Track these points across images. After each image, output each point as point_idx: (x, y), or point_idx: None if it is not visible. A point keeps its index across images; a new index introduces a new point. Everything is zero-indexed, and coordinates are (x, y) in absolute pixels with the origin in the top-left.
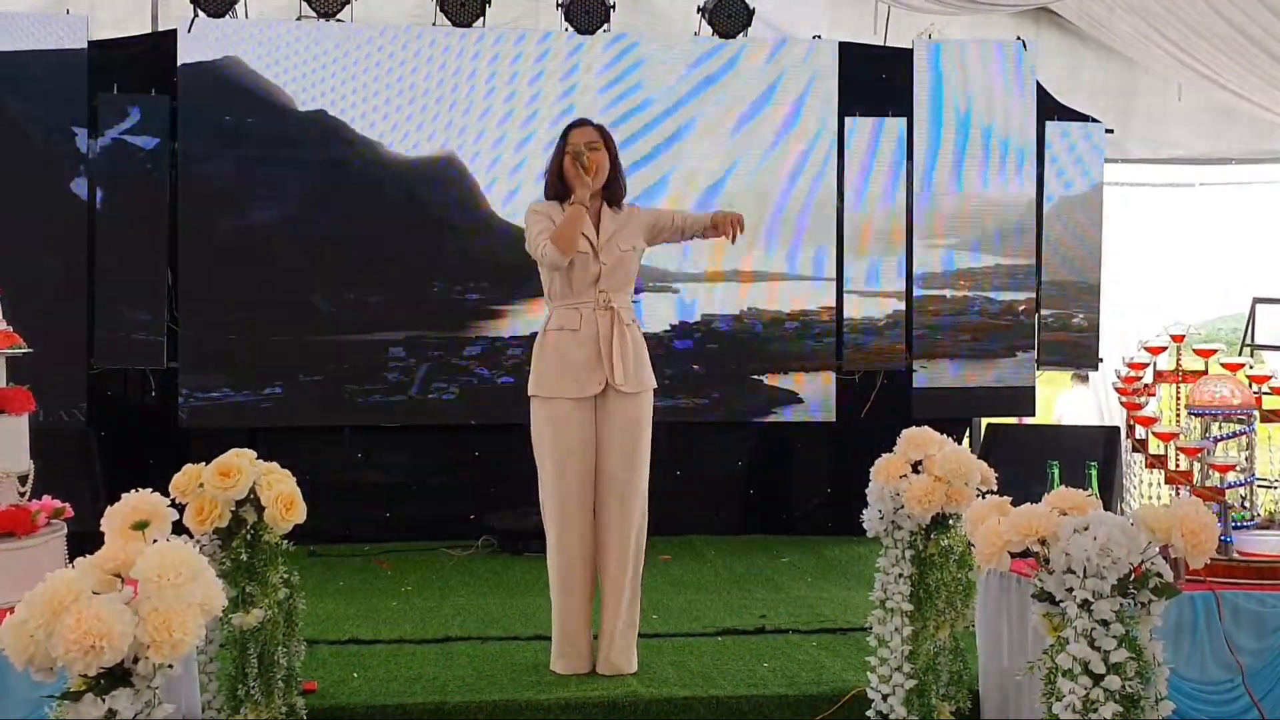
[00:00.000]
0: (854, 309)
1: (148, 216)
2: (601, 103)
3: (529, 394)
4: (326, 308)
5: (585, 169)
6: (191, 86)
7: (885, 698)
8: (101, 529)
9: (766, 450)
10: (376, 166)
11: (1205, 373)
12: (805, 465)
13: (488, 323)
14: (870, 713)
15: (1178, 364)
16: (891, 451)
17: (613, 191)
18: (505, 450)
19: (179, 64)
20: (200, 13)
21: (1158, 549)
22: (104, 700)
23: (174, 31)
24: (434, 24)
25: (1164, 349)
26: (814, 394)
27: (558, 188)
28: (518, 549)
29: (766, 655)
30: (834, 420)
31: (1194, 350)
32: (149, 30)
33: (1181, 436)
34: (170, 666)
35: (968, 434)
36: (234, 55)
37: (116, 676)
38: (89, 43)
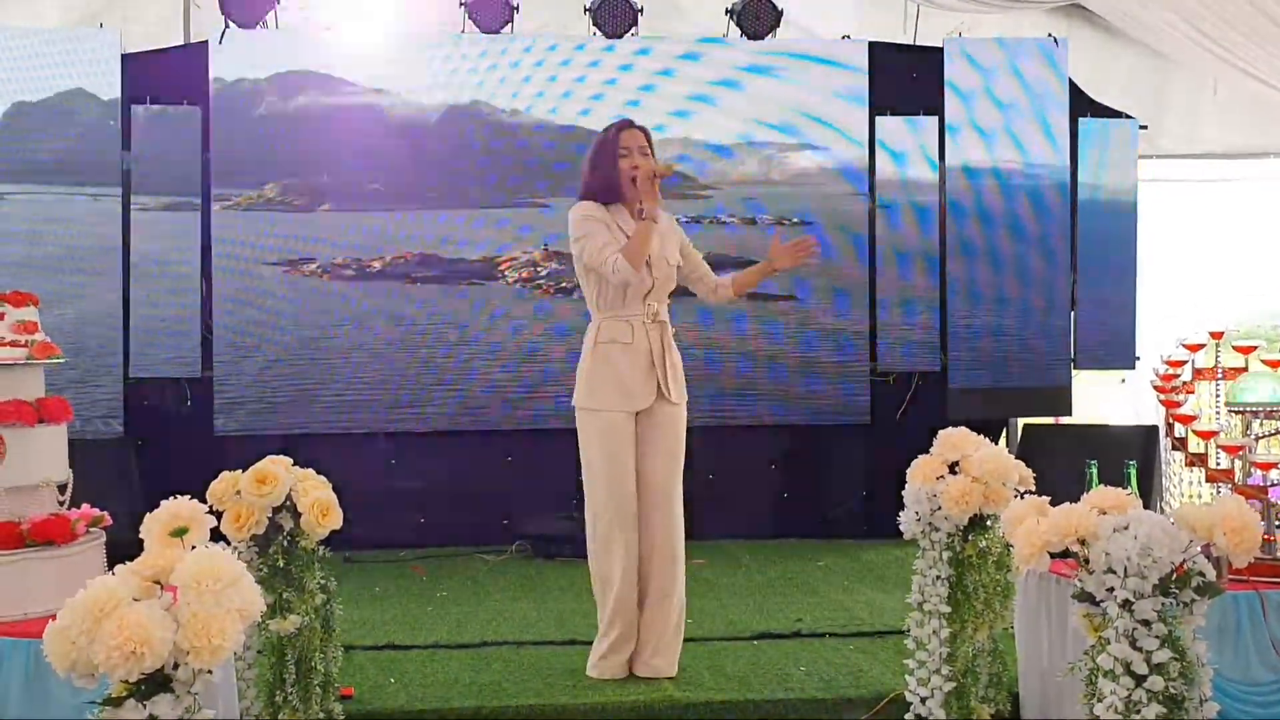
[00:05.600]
0: (890, 313)
1: (183, 224)
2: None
3: (577, 405)
4: (368, 314)
5: (653, 181)
6: (229, 97)
7: (924, 700)
8: (140, 537)
9: (801, 453)
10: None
11: (1245, 369)
12: (840, 468)
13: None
14: (908, 716)
15: (1216, 361)
16: (927, 453)
17: None
18: (537, 456)
19: (212, 74)
20: (231, 24)
21: (1199, 548)
22: (145, 706)
23: (206, 43)
24: (462, 32)
25: (1203, 346)
26: (848, 396)
27: (608, 190)
28: (550, 554)
29: (803, 659)
30: (869, 422)
31: (1233, 347)
32: (181, 42)
33: (1222, 434)
34: (209, 672)
35: (1004, 434)
36: (257, 64)
37: (157, 682)
38: (122, 55)
